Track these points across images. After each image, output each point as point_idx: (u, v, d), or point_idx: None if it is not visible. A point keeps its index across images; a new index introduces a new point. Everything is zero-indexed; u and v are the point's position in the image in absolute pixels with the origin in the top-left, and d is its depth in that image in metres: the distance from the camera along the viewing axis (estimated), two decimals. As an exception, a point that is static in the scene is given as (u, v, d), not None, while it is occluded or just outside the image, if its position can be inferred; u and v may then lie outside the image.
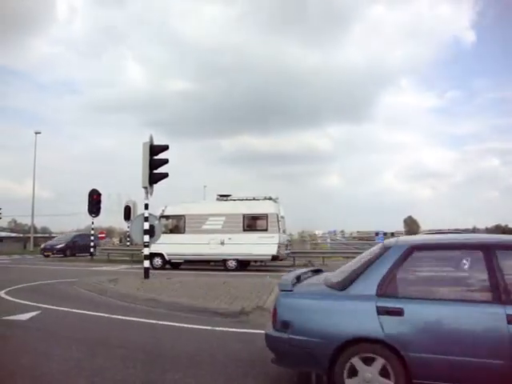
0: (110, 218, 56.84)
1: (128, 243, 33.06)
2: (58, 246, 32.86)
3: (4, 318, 8.33)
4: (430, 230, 22.20)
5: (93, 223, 30.27)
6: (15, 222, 71.53)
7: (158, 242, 14.61)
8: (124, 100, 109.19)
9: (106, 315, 8.62)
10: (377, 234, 49.37)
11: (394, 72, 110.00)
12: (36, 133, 40.43)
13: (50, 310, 9.31)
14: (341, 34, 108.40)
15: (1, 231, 46.75)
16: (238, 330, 7.30)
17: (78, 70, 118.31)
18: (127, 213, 28.88)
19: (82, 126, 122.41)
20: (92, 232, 30.43)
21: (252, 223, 20.54)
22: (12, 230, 65.73)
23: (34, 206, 41.24)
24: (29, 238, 43.81)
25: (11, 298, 10.87)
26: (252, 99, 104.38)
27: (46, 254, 32.05)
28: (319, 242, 54.15)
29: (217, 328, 7.43)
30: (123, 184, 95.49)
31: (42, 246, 34.56)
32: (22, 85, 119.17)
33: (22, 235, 53.67)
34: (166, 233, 18.05)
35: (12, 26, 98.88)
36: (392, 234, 56.47)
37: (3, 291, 11.85)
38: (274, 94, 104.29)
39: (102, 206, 30.28)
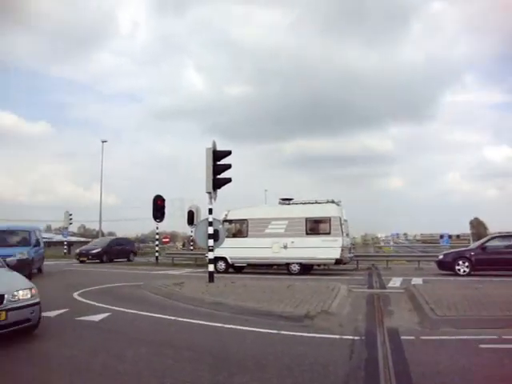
0: (174, 222, 58.13)
1: (191, 247, 33.70)
2: (94, 251, 30.86)
3: (77, 318, 8.71)
4: (500, 233, 21.19)
5: (157, 228, 31.07)
6: (84, 227, 74.55)
7: (221, 246, 14.78)
8: (184, 107, 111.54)
9: (173, 318, 8.81)
10: (441, 236, 47.99)
11: (457, 69, 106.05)
12: (103, 141, 41.89)
13: (119, 312, 9.64)
14: (400, 32, 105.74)
15: (71, 236, 48.65)
16: (303, 334, 7.28)
17: (139, 79, 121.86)
18: (190, 217, 29.43)
19: (145, 134, 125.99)
20: (157, 237, 31.22)
21: (315, 227, 20.44)
22: (81, 235, 68.53)
23: (101, 212, 42.82)
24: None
25: (84, 300, 11.34)
26: (312, 102, 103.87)
27: (81, 259, 30.32)
28: (382, 245, 53.18)
29: (282, 332, 7.45)
30: (185, 189, 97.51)
31: (78, 250, 32.99)
32: (87, 96, 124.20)
33: (90, 240, 55.82)
34: (229, 237, 18.23)
35: (78, 42, 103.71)
36: (457, 237, 54.69)
37: (76, 293, 12.36)
38: (334, 96, 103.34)
39: (166, 211, 31.02)
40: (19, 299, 6.72)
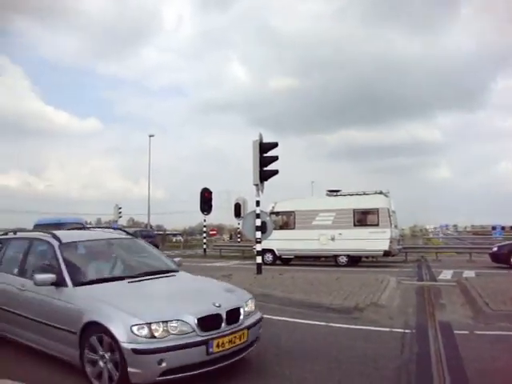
0: (220, 215, 58.66)
1: (239, 240, 33.90)
2: None
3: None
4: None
5: (204, 221, 31.37)
6: (133, 220, 75.99)
7: (268, 238, 14.78)
8: (229, 100, 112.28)
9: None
10: (494, 228, 46.22)
11: (509, 53, 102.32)
12: (150, 136, 42.57)
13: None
14: (448, 16, 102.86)
15: (120, 229, 49.92)
16: (353, 327, 7.21)
17: (184, 74, 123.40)
18: (237, 210, 29.56)
19: (191, 127, 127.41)
20: (204, 229, 31.53)
21: (362, 218, 20.19)
22: (131, 228, 70.03)
23: (149, 205, 43.58)
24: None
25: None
26: (355, 92, 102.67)
27: None
28: (431, 236, 52.03)
29: (331, 324, 7.41)
30: (232, 182, 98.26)
31: None
32: (134, 91, 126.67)
33: (136, 232, 56.89)
34: (276, 229, 18.21)
35: (124, 39, 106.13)
36: (511, 228, 52.65)
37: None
38: (378, 86, 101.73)
39: (213, 203, 31.25)
40: (249, 312, 5.25)
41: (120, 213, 42.41)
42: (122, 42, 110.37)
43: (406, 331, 6.78)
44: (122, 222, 50.60)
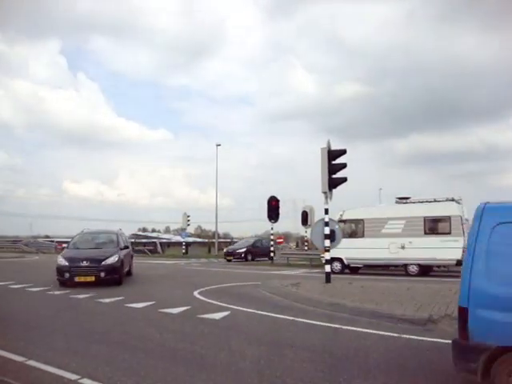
0: (287, 223, 58.55)
1: (306, 248, 33.72)
2: (240, 251, 33.52)
3: (199, 316, 9.06)
4: None
5: (272, 229, 31.45)
6: (201, 228, 77.53)
7: (337, 246, 14.61)
8: (296, 108, 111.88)
9: (291, 318, 8.86)
10: None
11: None
12: (217, 145, 43.32)
13: (238, 310, 9.87)
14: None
15: (189, 237, 50.77)
16: (427, 339, 6.97)
17: (250, 83, 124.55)
18: (304, 218, 29.46)
19: (257, 136, 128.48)
20: (271, 237, 31.62)
21: (434, 226, 19.57)
22: (198, 236, 71.40)
23: (217, 214, 44.17)
24: (213, 242, 47.08)
25: (203, 298, 11.75)
26: (425, 97, 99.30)
27: (228, 258, 32.98)
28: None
29: (403, 335, 7.21)
30: (298, 190, 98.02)
31: (225, 250, 36.17)
32: (202, 101, 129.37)
33: (206, 240, 58.05)
34: (344, 237, 17.97)
35: (192, 51, 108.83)
36: None
37: (196, 291, 12.84)
38: (449, 90, 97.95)
39: (280, 211, 31.29)
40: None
41: (188, 221, 43.20)
42: (191, 54, 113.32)
43: (485, 345, 6.46)
44: (190, 229, 51.67)
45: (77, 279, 13.90)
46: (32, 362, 5.72)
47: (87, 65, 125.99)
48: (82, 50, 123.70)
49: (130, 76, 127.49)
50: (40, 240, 52.53)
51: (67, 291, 12.62)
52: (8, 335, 7.30)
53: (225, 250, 35.90)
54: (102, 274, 14.07)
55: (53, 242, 49.16)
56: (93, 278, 13.96)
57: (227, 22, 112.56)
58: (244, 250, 33.45)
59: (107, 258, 14.50)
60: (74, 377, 5.19)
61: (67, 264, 14.19)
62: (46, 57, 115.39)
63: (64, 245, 46.81)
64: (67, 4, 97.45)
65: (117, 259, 14.65)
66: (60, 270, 14.16)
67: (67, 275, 13.95)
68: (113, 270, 14.42)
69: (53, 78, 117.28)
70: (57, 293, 12.52)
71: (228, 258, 32.98)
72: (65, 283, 13.94)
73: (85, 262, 14.22)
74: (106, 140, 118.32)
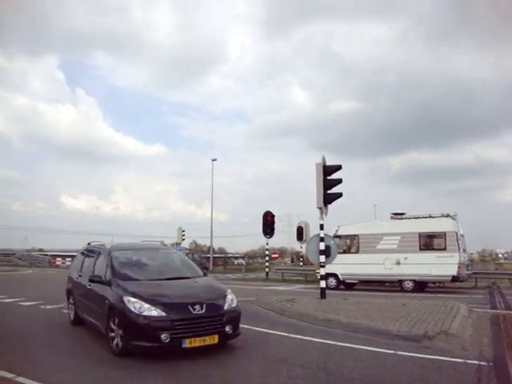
0: (282, 238, 58.51)
1: (301, 263, 33.62)
2: None
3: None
4: None
5: (267, 244, 31.38)
6: (195, 243, 77.16)
7: (332, 262, 14.54)
8: (291, 124, 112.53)
9: (285, 334, 8.74)
10: None
11: None
12: (213, 160, 43.33)
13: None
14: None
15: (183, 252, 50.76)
16: (422, 356, 6.87)
17: (246, 99, 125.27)
18: (300, 233, 29.39)
19: (252, 151, 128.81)
20: (267, 252, 31.52)
21: (429, 242, 19.55)
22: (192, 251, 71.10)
23: (212, 229, 44.00)
24: (208, 257, 46.89)
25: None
26: (419, 114, 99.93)
27: None
28: (502, 261, 49.62)
29: (399, 352, 7.10)
30: (293, 205, 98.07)
31: None
32: (198, 117, 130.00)
33: (201, 256, 57.83)
34: (339, 253, 17.93)
35: (189, 68, 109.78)
36: None
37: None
38: (442, 107, 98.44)
39: (275, 227, 31.26)
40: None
41: (183, 235, 43.04)
42: (188, 70, 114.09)
43: (482, 363, 6.35)
44: (185, 244, 51.39)
45: (188, 344, 6.81)
46: (21, 379, 5.61)
47: (85, 80, 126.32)
48: (81, 65, 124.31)
49: (128, 91, 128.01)
50: (34, 253, 52.19)
51: (59, 306, 12.40)
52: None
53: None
54: (228, 329, 7.38)
55: (46, 255, 48.86)
56: (216, 339, 7.11)
57: (225, 39, 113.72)
58: None
59: (225, 297, 7.88)
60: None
61: (165, 315, 6.91)
62: (45, 72, 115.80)
63: (58, 258, 46.93)
64: (66, 20, 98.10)
65: (235, 299, 8.07)
66: (148, 328, 6.76)
67: (166, 337, 6.68)
68: (234, 319, 7.73)
69: (51, 93, 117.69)
70: (48, 307, 12.34)
71: None
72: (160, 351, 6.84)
73: (197, 308, 7.15)
74: (103, 155, 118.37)
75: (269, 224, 30.36)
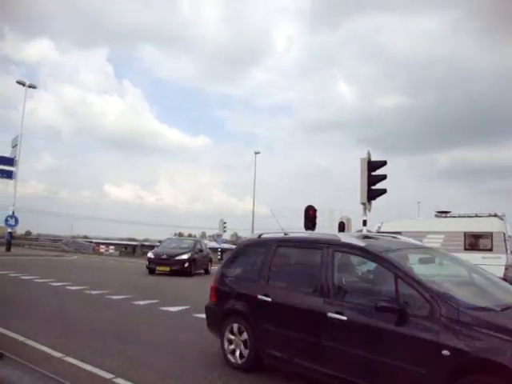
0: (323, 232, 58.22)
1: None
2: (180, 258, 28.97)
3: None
4: None
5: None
6: (236, 235, 77.63)
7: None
8: (336, 119, 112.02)
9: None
10: None
11: None
12: (255, 153, 43.62)
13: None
14: None
15: (224, 243, 51.07)
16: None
17: (291, 93, 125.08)
18: (341, 229, 29.11)
19: (296, 145, 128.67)
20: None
21: (474, 242, 19.04)
22: (233, 243, 71.58)
23: (253, 221, 44.28)
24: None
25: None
26: (468, 110, 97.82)
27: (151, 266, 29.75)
28: (554, 265, 47.87)
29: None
30: (335, 200, 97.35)
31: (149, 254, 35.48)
32: (242, 110, 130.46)
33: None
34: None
35: (236, 61, 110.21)
36: None
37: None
38: (494, 101, 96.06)
39: (317, 221, 31.07)
40: None
41: (225, 227, 43.40)
42: (233, 63, 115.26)
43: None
44: (226, 236, 51.93)
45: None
46: (69, 359, 5.86)
47: (132, 72, 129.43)
48: (128, 58, 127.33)
49: (173, 83, 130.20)
50: (79, 240, 53.56)
51: (104, 291, 12.80)
52: (49, 332, 7.48)
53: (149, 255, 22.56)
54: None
55: (91, 242, 50.08)
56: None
57: (271, 32, 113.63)
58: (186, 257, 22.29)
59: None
60: (108, 376, 5.30)
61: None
62: (94, 64, 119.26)
63: (102, 246, 48.02)
64: (117, 14, 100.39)
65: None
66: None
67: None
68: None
69: (99, 85, 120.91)
70: (93, 293, 12.73)
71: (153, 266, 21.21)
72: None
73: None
74: (147, 146, 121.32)
75: (310, 218, 30.08)
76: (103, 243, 49.87)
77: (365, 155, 13.35)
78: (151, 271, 20.25)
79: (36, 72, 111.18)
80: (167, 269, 20.00)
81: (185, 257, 20.52)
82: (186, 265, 20.32)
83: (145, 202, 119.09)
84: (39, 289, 13.29)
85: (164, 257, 20.56)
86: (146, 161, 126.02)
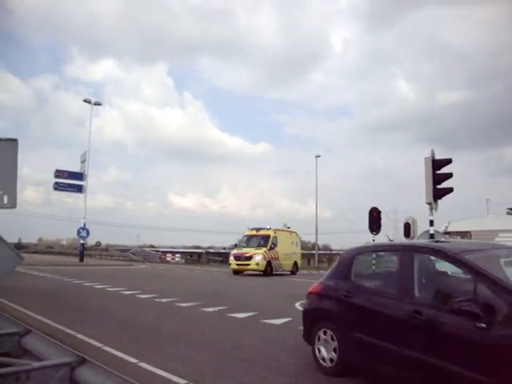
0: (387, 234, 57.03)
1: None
2: None
3: (300, 327, 8.99)
4: None
5: (373, 240, 30.73)
6: (300, 239, 77.28)
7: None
8: (396, 118, 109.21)
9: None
10: None
11: None
12: (316, 156, 43.46)
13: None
14: None
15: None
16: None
17: (349, 94, 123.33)
18: (407, 230, 28.46)
19: (356, 147, 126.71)
20: (373, 249, 30.87)
21: (551, 240, 18.18)
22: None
23: (317, 225, 44.04)
24: (313, 254, 46.87)
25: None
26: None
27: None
28: None
29: None
30: (399, 200, 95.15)
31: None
32: (300, 114, 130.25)
33: (306, 252, 57.91)
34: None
35: (292, 66, 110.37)
36: None
37: (298, 303, 12.81)
38: None
39: (381, 223, 30.57)
40: None
41: (288, 232, 43.28)
42: (291, 68, 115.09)
43: None
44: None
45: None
46: (143, 364, 6.04)
47: (191, 83, 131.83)
48: (187, 70, 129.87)
49: (232, 92, 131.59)
50: (146, 249, 55.03)
51: (173, 299, 13.09)
52: (123, 338, 7.74)
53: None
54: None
55: (158, 251, 51.32)
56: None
57: (328, 35, 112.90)
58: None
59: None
60: (181, 381, 5.42)
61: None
62: (156, 78, 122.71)
63: (168, 254, 49.10)
64: (175, 28, 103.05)
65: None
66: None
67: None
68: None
69: (161, 98, 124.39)
70: (163, 300, 13.03)
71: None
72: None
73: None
74: (210, 155, 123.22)
75: (375, 220, 29.67)
76: (169, 252, 50.92)
77: (428, 154, 13.03)
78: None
79: (101, 90, 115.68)
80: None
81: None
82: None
83: (208, 209, 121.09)
84: (112, 297, 13.79)
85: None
86: (209, 169, 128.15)
